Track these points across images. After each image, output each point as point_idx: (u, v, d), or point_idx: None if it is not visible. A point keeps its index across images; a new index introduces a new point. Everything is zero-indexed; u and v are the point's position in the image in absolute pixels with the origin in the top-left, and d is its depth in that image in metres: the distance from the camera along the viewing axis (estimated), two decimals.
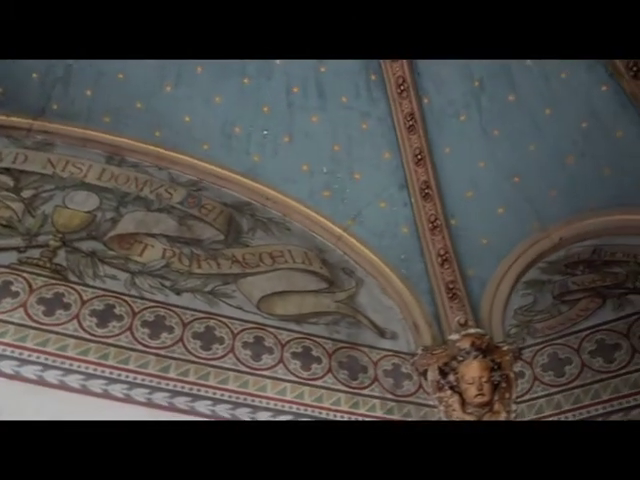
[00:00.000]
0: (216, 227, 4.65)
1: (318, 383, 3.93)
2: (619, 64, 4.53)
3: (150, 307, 3.93)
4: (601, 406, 3.87)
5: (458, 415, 3.99)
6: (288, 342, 4.09)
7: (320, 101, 4.98)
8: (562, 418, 3.91)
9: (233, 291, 4.25)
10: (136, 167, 4.89)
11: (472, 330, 4.21)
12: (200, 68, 4.87)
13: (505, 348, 4.23)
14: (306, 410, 3.76)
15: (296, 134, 5.01)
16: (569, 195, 4.67)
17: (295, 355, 4.03)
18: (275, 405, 3.72)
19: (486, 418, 3.97)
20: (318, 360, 4.07)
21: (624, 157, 4.58)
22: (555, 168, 4.70)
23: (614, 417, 3.76)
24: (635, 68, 4.46)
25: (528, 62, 4.84)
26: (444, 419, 4.02)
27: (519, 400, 4.09)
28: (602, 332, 4.18)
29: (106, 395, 3.41)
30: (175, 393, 3.57)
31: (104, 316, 3.74)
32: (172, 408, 3.51)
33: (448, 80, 4.95)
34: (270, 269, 4.50)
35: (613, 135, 4.62)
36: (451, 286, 4.50)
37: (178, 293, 4.08)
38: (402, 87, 4.86)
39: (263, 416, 3.63)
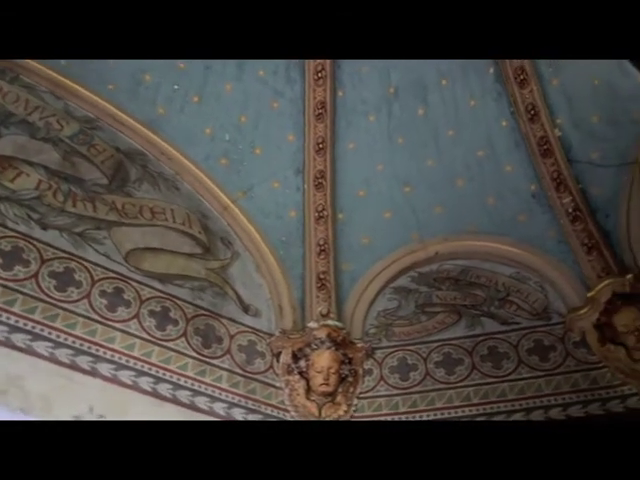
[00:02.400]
0: (102, 170, 4.44)
1: (169, 345, 3.87)
2: (520, 103, 4.82)
3: (9, 236, 3.68)
4: (433, 412, 4.11)
5: (300, 400, 4.09)
6: (148, 299, 3.99)
7: (237, 70, 4.91)
8: (396, 419, 4.12)
9: (104, 238, 4.08)
10: (30, 89, 4.55)
11: (331, 322, 4.33)
12: None
13: (359, 345, 4.38)
14: (150, 369, 3.68)
15: (206, 96, 4.89)
16: (452, 214, 4.90)
17: (152, 313, 3.94)
18: (119, 359, 3.62)
19: (327, 408, 4.10)
20: (175, 322, 4.00)
21: (508, 191, 4.88)
22: (445, 186, 4.92)
23: None
24: (533, 112, 4.76)
25: (444, 82, 5.03)
26: (287, 402, 4.11)
27: (361, 396, 4.26)
28: (450, 346, 4.44)
29: None
30: (14, 329, 3.36)
31: None
32: (8, 344, 3.31)
33: (366, 80, 5.05)
34: (147, 223, 4.36)
35: (503, 168, 4.91)
36: (322, 276, 4.59)
37: (44, 228, 3.87)
38: (320, 75, 4.90)
39: (104, 367, 3.52)
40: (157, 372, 3.71)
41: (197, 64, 4.87)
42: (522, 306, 4.57)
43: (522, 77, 4.80)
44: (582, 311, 4.29)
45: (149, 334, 3.84)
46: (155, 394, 3.63)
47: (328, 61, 4.86)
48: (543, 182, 4.73)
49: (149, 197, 4.54)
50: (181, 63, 4.85)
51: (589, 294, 4.28)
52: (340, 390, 4.17)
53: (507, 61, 4.83)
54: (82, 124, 4.63)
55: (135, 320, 3.84)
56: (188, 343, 3.98)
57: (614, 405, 3.94)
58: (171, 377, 3.75)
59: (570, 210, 4.58)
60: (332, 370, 4.13)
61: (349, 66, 4.98)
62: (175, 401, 3.68)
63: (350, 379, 4.24)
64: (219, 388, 3.91)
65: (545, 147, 4.72)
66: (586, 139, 4.68)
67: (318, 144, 4.86)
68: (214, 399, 3.85)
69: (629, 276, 4.14)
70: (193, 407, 3.73)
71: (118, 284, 3.93)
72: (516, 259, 4.72)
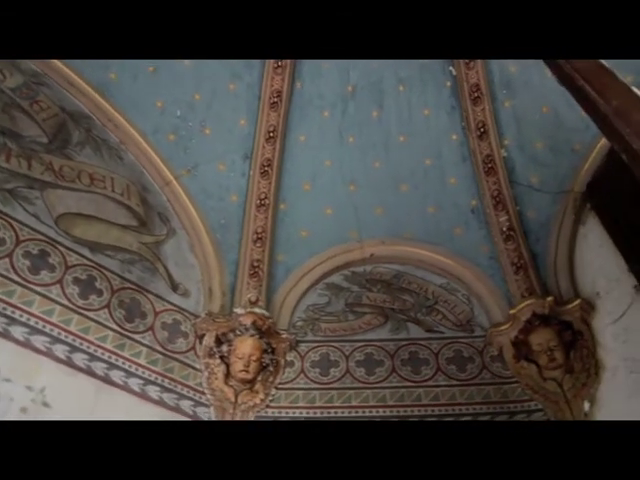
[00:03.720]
0: (43, 128, 4.28)
1: (90, 315, 3.78)
2: (472, 120, 4.93)
3: None
4: (348, 410, 4.18)
5: (218, 384, 4.08)
6: (74, 266, 3.88)
7: None
8: (311, 413, 4.16)
9: (35, 198, 3.94)
10: None
11: (258, 310, 4.33)
12: None
13: (284, 336, 4.41)
14: (67, 337, 3.59)
15: (162, 68, 4.77)
16: (392, 218, 4.97)
17: (77, 281, 3.84)
18: (36, 323, 3.51)
19: (244, 395, 4.11)
20: (99, 292, 3.91)
21: (449, 203, 4.98)
22: (389, 190, 4.99)
23: None
24: (482, 129, 4.88)
25: (401, 88, 5.09)
26: (204, 384, 4.09)
27: (280, 386, 4.29)
28: (373, 347, 4.52)
29: None
30: None
31: None
32: None
33: (326, 75, 5.06)
34: (85, 189, 4.24)
35: (447, 180, 5.01)
36: (256, 264, 4.58)
37: None
38: (280, 64, 4.88)
39: (17, 331, 3.41)
40: (74, 341, 3.62)
41: None
42: (448, 316, 4.69)
43: (477, 95, 4.91)
44: (503, 327, 4.44)
45: (70, 301, 3.74)
46: (69, 363, 3.54)
47: None
48: (483, 199, 4.86)
49: (90, 163, 4.40)
50: None
51: (511, 311, 4.43)
52: (259, 378, 4.18)
53: (464, 77, 4.93)
54: (28, 77, 4.43)
55: (57, 285, 3.74)
56: (110, 315, 3.89)
57: (520, 419, 4.11)
58: (88, 347, 3.67)
59: (505, 229, 4.71)
60: (253, 358, 4.14)
61: (310, 60, 4.97)
62: (89, 372, 3.60)
63: (271, 369, 4.26)
64: (136, 363, 3.85)
65: (490, 165, 4.84)
66: (529, 163, 4.84)
67: (269, 132, 4.84)
68: (130, 374, 3.78)
69: (549, 299, 4.29)
70: (107, 380, 3.66)
71: (44, 247, 3.82)
72: (448, 270, 4.84)
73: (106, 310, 3.89)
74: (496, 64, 4.89)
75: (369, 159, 5.00)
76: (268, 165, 4.80)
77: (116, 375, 3.72)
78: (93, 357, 3.67)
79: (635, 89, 1.69)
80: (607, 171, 4.23)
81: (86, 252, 4.01)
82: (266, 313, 4.37)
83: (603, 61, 2.12)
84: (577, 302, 4.25)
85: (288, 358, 4.41)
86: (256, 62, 4.92)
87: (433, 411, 4.17)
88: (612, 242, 4.15)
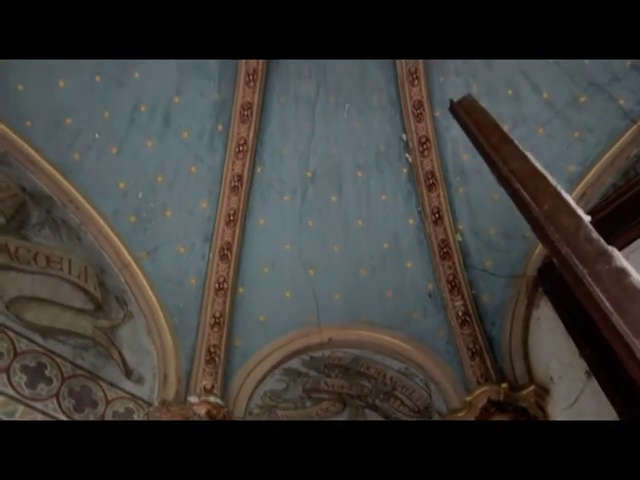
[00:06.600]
0: (1, 209, 4.24)
1: (37, 405, 3.62)
2: (427, 205, 5.09)
3: None
4: None
5: None
6: (24, 352, 3.75)
7: (162, 127, 4.90)
8: None
9: None
10: None
11: (212, 398, 4.24)
12: None
13: None
14: None
15: (126, 149, 4.83)
16: (350, 303, 5.01)
17: (25, 369, 3.69)
18: None
19: None
20: (48, 381, 3.77)
21: (406, 286, 5.07)
22: (347, 274, 5.06)
23: None
24: (437, 215, 5.04)
25: (359, 174, 5.26)
26: None
27: None
28: None
29: None
30: None
31: None
32: None
33: (286, 160, 5.21)
34: (40, 271, 4.16)
35: (404, 264, 5.11)
36: (212, 350, 4.52)
37: None
38: (242, 148, 5.01)
39: None
40: None
41: (122, 115, 4.82)
42: (405, 402, 4.68)
43: (432, 181, 5.10)
44: (460, 414, 4.44)
45: (17, 391, 3.59)
46: None
47: (251, 136, 5.00)
48: (440, 283, 4.95)
49: (47, 244, 4.32)
50: (107, 112, 4.78)
51: (467, 398, 4.44)
52: None
53: (419, 164, 5.13)
54: None
55: (3, 374, 3.59)
56: (59, 404, 3.74)
57: None
58: None
59: (460, 314, 4.79)
60: None
61: (271, 145, 5.14)
62: None
63: None
64: None
65: (445, 250, 4.97)
66: (483, 248, 4.99)
67: (229, 215, 4.90)
68: None
69: (504, 385, 4.33)
70: None
71: None
72: (406, 355, 4.85)
73: (54, 399, 3.74)
74: (450, 153, 5.12)
75: (328, 243, 5.09)
76: (228, 248, 4.84)
77: None
78: None
79: (565, 193, 1.76)
80: None
81: (37, 338, 3.89)
82: (220, 402, 4.28)
83: (538, 165, 2.20)
84: (532, 388, 4.29)
85: None
86: (219, 145, 5.03)
87: None
88: (564, 326, 4.25)
